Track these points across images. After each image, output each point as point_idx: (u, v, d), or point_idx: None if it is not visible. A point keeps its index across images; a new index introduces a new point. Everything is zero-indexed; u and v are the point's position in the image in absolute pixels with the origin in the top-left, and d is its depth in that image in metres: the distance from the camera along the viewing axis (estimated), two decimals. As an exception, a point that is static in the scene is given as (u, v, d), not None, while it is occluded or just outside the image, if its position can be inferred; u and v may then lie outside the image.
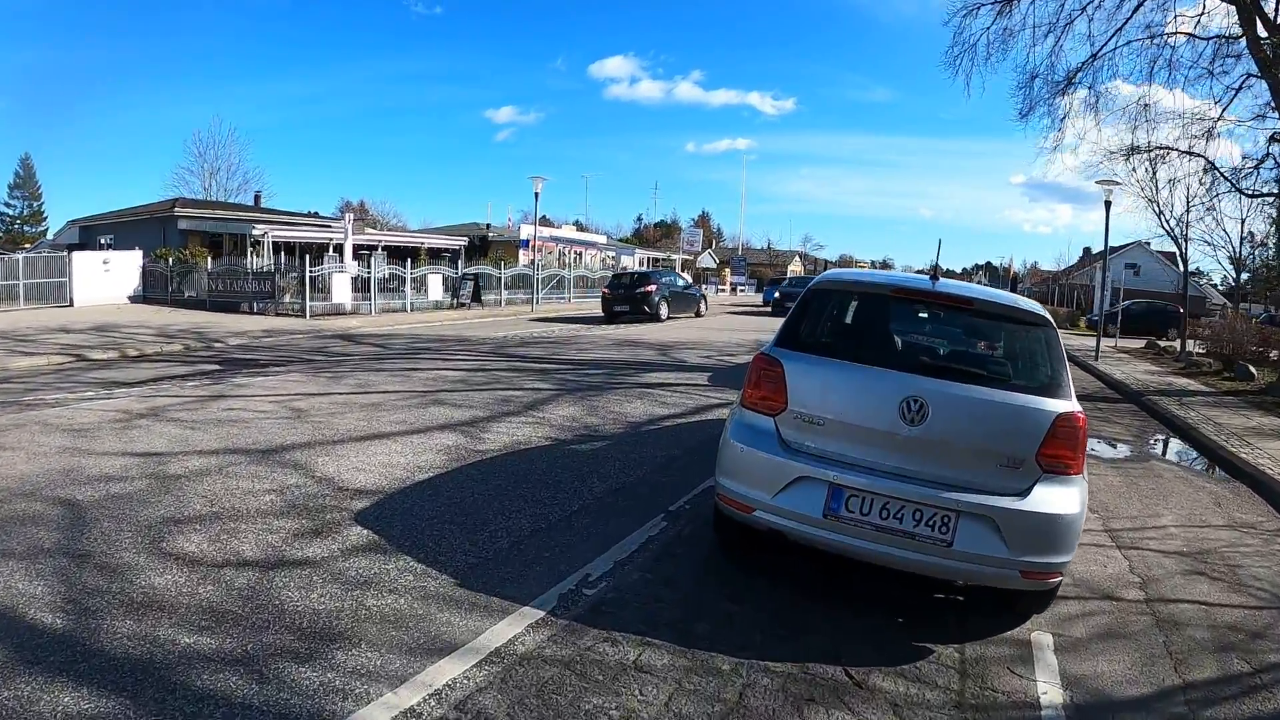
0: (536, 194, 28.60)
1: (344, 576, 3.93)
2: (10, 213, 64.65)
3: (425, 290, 27.53)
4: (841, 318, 4.80)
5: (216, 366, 12.22)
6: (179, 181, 51.95)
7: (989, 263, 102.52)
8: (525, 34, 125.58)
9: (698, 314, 27.67)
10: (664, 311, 24.61)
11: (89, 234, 34.48)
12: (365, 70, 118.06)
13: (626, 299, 24.36)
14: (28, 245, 39.12)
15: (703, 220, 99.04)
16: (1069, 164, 65.96)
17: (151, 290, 26.89)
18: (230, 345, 15.61)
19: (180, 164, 75.64)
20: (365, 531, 4.55)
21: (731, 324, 25.30)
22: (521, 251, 38.48)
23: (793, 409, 3.89)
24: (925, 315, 4.82)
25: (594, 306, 29.67)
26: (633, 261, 56.85)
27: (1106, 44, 15.46)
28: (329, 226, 31.82)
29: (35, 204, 64.99)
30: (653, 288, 24.57)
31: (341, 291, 23.73)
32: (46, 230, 55.57)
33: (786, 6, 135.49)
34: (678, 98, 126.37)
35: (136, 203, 37.18)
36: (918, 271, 6.91)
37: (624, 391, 9.71)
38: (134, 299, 26.65)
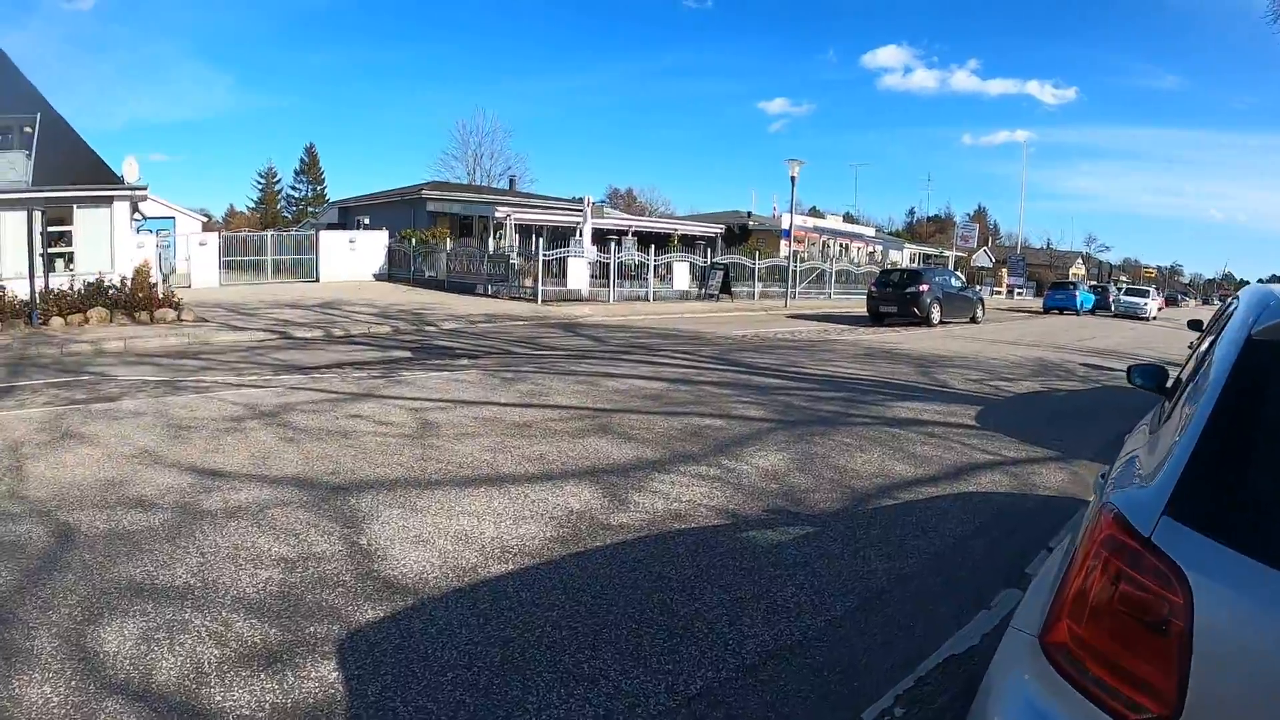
0: (793, 178, 26.66)
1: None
2: (296, 195, 77.48)
3: (670, 279, 26.60)
4: None
5: (406, 354, 11.67)
6: (444, 166, 57.32)
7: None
8: (796, 25, 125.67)
9: (974, 320, 24.12)
10: (935, 315, 21.85)
11: (347, 214, 37.97)
12: (636, 65, 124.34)
13: (895, 299, 22.19)
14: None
15: (978, 215, 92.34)
16: None
17: (396, 269, 28.47)
18: (441, 329, 15.35)
19: (445, 150, 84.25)
20: (329, 678, 2.82)
21: (1011, 334, 21.37)
22: (783, 242, 36.78)
23: None
24: None
25: (856, 305, 27.30)
26: (902, 257, 53.56)
27: None
28: (574, 210, 31.92)
29: (318, 187, 76.93)
30: (925, 288, 21.85)
31: (578, 277, 23.31)
32: (328, 212, 64.12)
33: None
34: (953, 87, 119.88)
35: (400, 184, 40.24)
36: None
37: (859, 430, 7.28)
38: (378, 277, 28.32)
